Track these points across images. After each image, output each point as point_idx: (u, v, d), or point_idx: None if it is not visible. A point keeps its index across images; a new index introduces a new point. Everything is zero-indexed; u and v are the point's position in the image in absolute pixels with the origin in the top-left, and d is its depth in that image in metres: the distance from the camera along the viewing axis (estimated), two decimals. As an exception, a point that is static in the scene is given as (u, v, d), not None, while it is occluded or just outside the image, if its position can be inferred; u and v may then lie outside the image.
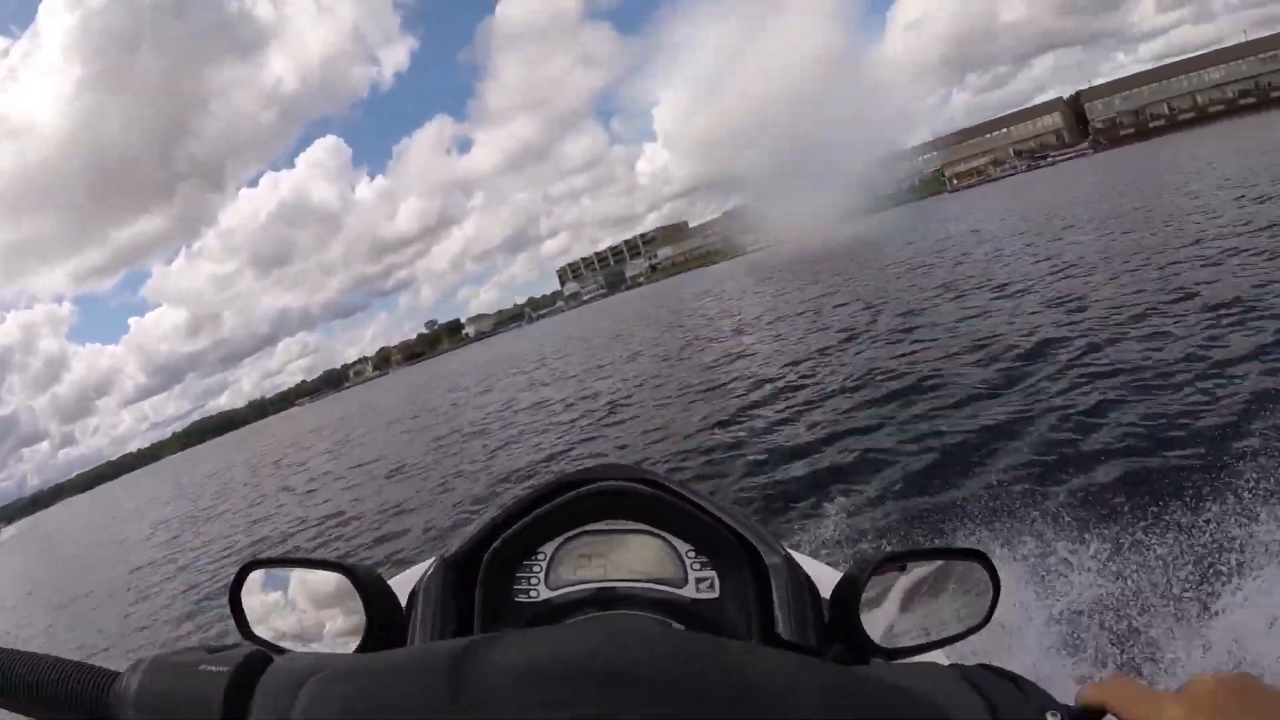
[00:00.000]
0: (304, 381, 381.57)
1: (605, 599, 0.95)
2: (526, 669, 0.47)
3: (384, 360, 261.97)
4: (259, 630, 0.90)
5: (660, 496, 0.99)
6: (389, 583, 0.95)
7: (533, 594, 0.98)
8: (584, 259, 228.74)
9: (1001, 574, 0.95)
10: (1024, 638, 3.41)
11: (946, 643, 0.94)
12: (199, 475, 43.62)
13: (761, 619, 0.93)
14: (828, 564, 1.41)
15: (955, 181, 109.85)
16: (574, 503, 0.99)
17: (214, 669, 0.47)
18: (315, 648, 0.91)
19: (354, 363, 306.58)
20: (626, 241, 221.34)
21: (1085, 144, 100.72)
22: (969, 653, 1.05)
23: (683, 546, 1.00)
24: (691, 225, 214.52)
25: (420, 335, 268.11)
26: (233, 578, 0.91)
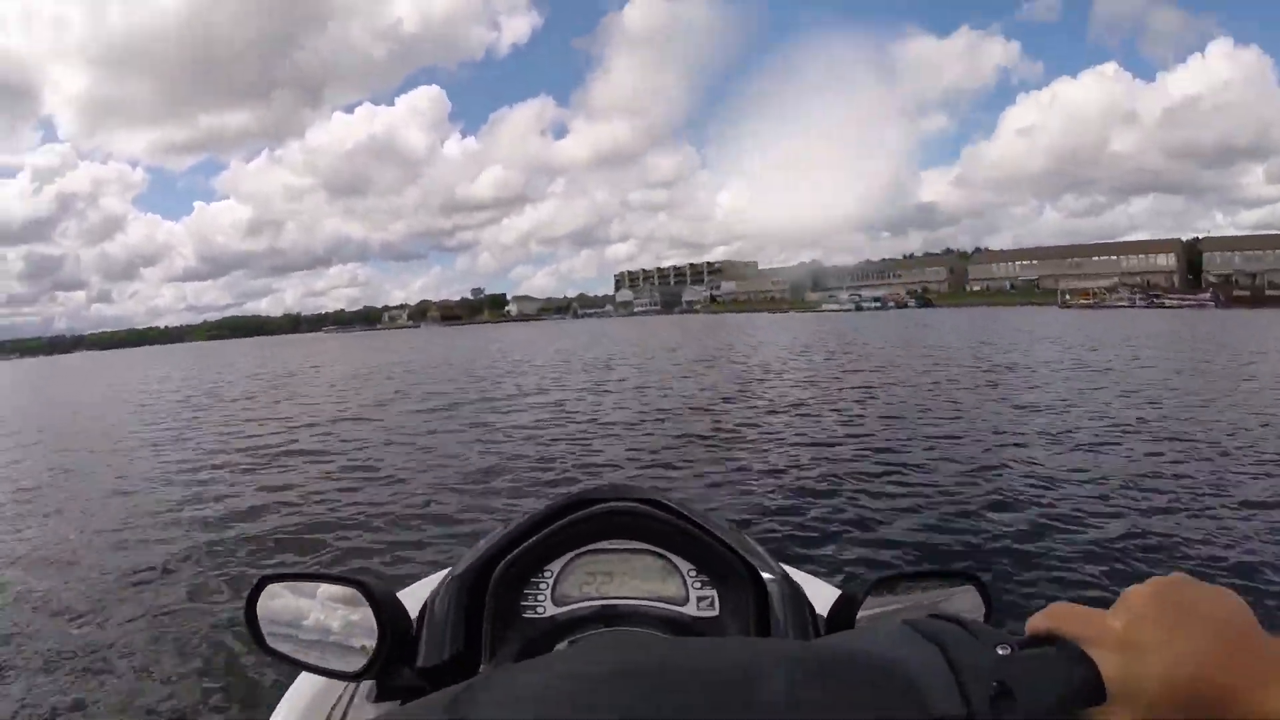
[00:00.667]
0: (342, 310, 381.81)
1: (609, 616, 0.99)
2: (515, 707, 0.46)
3: (420, 313, 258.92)
4: (274, 644, 0.95)
5: (663, 517, 1.03)
6: (401, 593, 1.01)
7: (539, 610, 1.00)
8: (645, 271, 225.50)
9: (993, 596, 1.03)
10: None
11: None
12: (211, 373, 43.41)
13: (760, 635, 0.97)
14: (826, 581, 1.47)
15: (1069, 297, 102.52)
16: (580, 522, 1.02)
17: None
18: (329, 662, 0.95)
19: (393, 307, 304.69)
20: (692, 265, 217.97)
21: (1206, 295, 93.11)
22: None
23: (684, 565, 1.03)
24: (761, 267, 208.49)
25: (464, 299, 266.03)
26: (249, 592, 0.94)
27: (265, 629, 0.95)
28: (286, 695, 1.27)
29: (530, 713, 0.45)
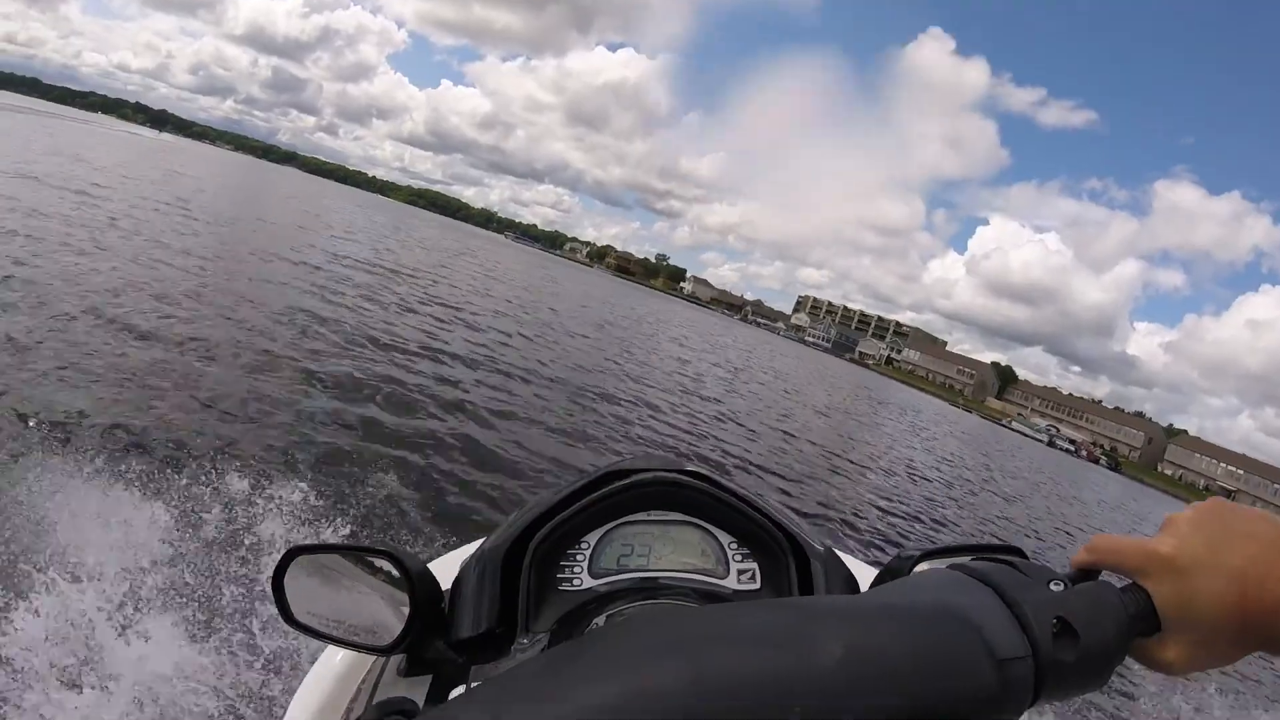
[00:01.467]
0: (535, 225, 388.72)
1: (647, 589, 0.95)
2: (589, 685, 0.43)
3: (599, 255, 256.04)
4: (301, 617, 0.92)
5: (703, 488, 1.00)
6: (430, 565, 0.96)
7: (576, 582, 0.98)
8: (830, 305, 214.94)
9: None
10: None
11: None
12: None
13: None
14: (863, 562, 1.47)
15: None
16: (618, 493, 1.00)
17: None
18: (359, 635, 0.93)
19: (580, 241, 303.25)
20: (880, 319, 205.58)
21: None
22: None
23: (725, 538, 1.01)
24: (949, 348, 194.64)
25: (644, 259, 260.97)
26: (276, 564, 0.92)
27: (293, 602, 0.91)
28: (314, 668, 1.27)
29: (575, 707, 0.42)
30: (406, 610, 0.88)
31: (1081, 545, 0.58)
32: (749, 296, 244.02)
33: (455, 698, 0.50)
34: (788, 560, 0.97)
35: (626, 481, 1.00)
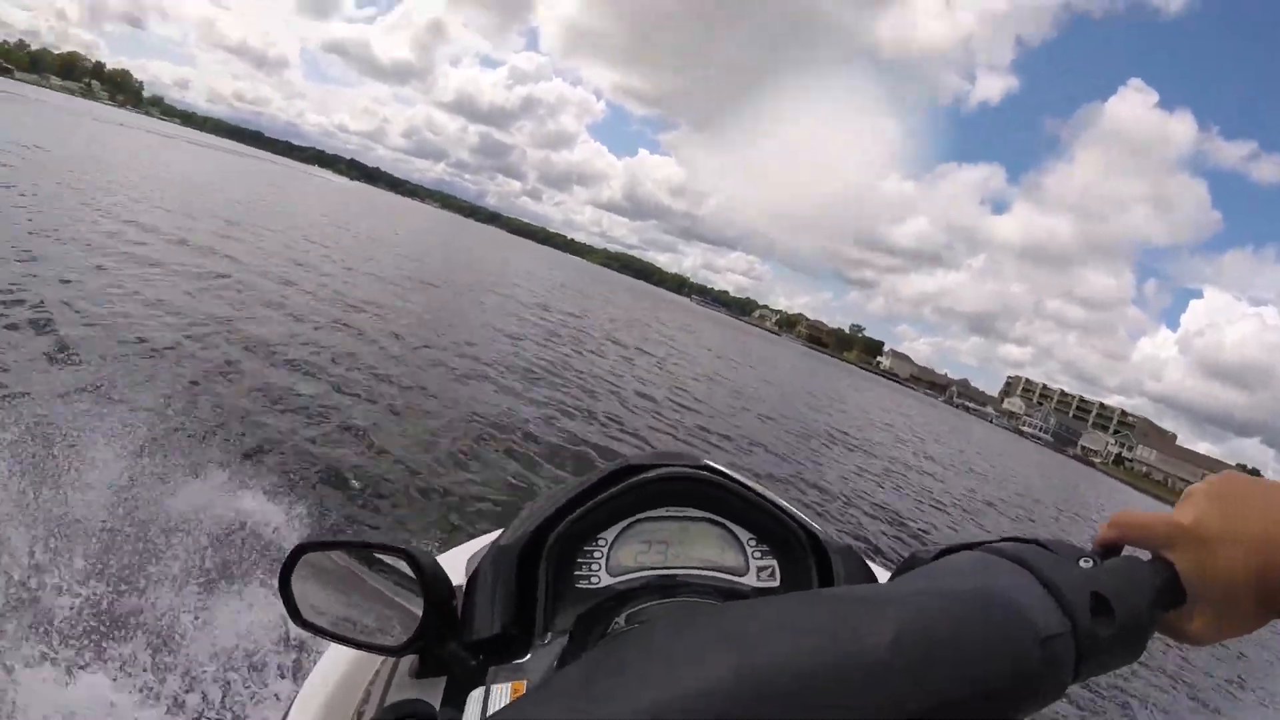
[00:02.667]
0: (726, 292, 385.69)
1: (666, 586, 0.93)
2: (640, 681, 0.43)
3: (789, 324, 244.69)
4: (309, 616, 0.90)
5: (722, 483, 0.99)
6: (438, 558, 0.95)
7: (594, 580, 0.96)
8: (1044, 388, 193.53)
9: None
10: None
11: None
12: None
13: None
14: (877, 565, 1.39)
15: None
16: (636, 489, 0.99)
17: None
18: (368, 635, 0.92)
19: (766, 308, 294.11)
20: (1102, 406, 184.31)
21: None
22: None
23: (744, 535, 1.00)
24: (1179, 443, 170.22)
25: (838, 329, 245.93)
26: (284, 561, 0.90)
27: (300, 601, 0.89)
28: (318, 667, 1.23)
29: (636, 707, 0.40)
30: (419, 609, 0.86)
31: (1102, 522, 0.58)
32: (948, 373, 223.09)
33: (522, 697, 0.48)
34: (807, 557, 0.96)
35: (645, 477, 0.99)
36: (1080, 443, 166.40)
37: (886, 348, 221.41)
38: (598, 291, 48.06)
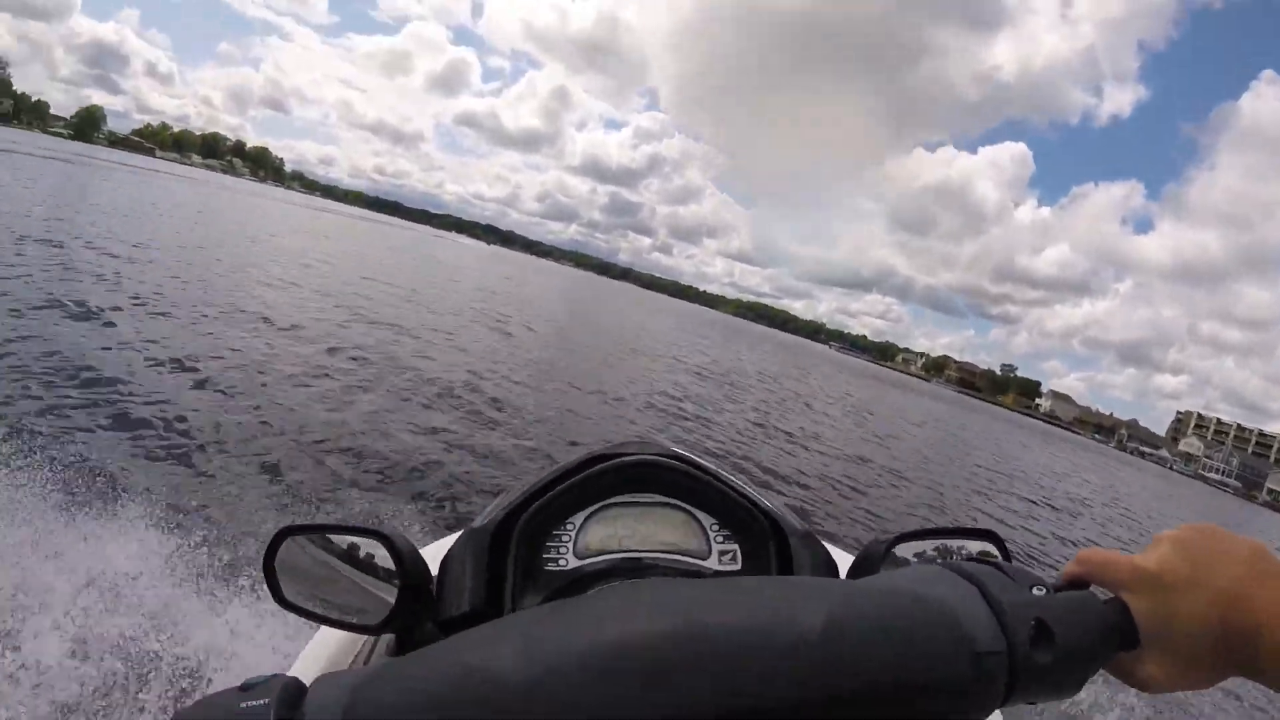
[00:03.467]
0: (864, 336, 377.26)
1: (630, 568, 0.98)
2: (555, 642, 0.47)
3: (936, 367, 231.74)
4: (292, 597, 0.93)
5: (685, 470, 1.04)
6: (422, 550, 0.98)
7: (561, 562, 1.00)
8: (1219, 424, 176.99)
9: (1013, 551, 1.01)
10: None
11: None
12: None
13: None
14: (841, 549, 1.47)
15: None
16: (603, 475, 1.03)
17: (252, 707, 0.46)
18: (349, 615, 0.95)
19: (913, 351, 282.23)
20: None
21: None
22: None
23: (707, 520, 1.04)
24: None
25: (989, 371, 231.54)
26: (268, 543, 0.93)
27: (284, 581, 0.93)
28: (306, 649, 1.29)
29: (574, 645, 0.46)
30: (396, 590, 0.90)
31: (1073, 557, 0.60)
32: (1113, 414, 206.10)
33: (477, 628, 0.51)
34: (768, 541, 1.00)
35: (610, 464, 1.03)
36: (1266, 484, 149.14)
37: (1045, 387, 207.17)
38: (736, 351, 45.67)
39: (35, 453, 4.70)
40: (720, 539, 1.02)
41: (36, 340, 7.80)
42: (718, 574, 0.99)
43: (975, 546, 1.02)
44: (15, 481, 4.11)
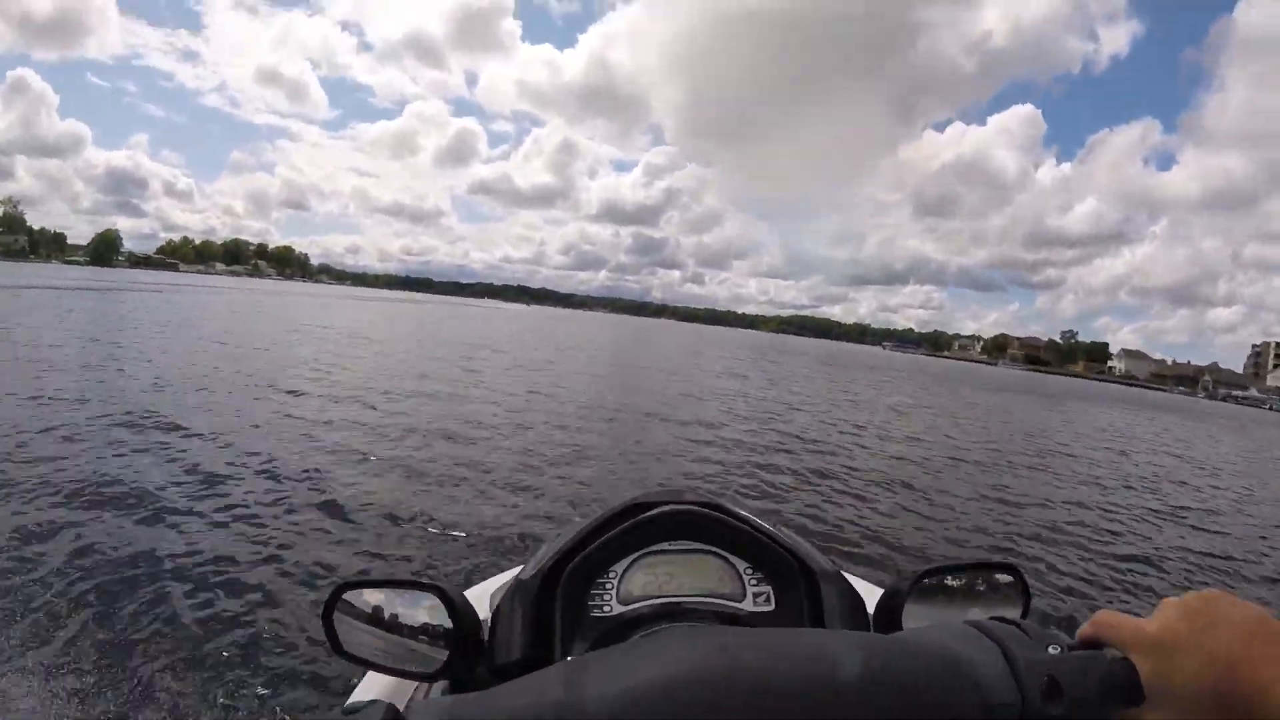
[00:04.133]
0: (911, 329, 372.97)
1: (671, 613, 1.02)
2: (629, 679, 0.52)
3: (998, 348, 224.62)
4: (350, 648, 0.99)
5: (720, 519, 1.08)
6: (466, 593, 1.05)
7: (606, 609, 1.04)
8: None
9: (1031, 583, 1.08)
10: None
11: None
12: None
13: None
14: (870, 583, 1.55)
15: None
16: (643, 525, 1.08)
17: None
18: (403, 663, 1.00)
19: (964, 336, 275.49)
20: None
21: None
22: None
23: (740, 564, 1.08)
24: None
25: (1052, 343, 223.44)
26: (326, 599, 0.99)
27: (342, 634, 0.98)
28: (354, 695, 1.32)
29: (643, 681, 0.51)
30: (450, 639, 0.96)
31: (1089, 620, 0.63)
32: (1190, 361, 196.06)
33: (535, 674, 0.56)
34: (799, 584, 1.04)
35: (649, 514, 1.07)
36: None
37: (1116, 348, 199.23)
38: (787, 371, 42.79)
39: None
40: (754, 582, 1.06)
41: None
42: (753, 615, 1.03)
43: (996, 578, 1.08)
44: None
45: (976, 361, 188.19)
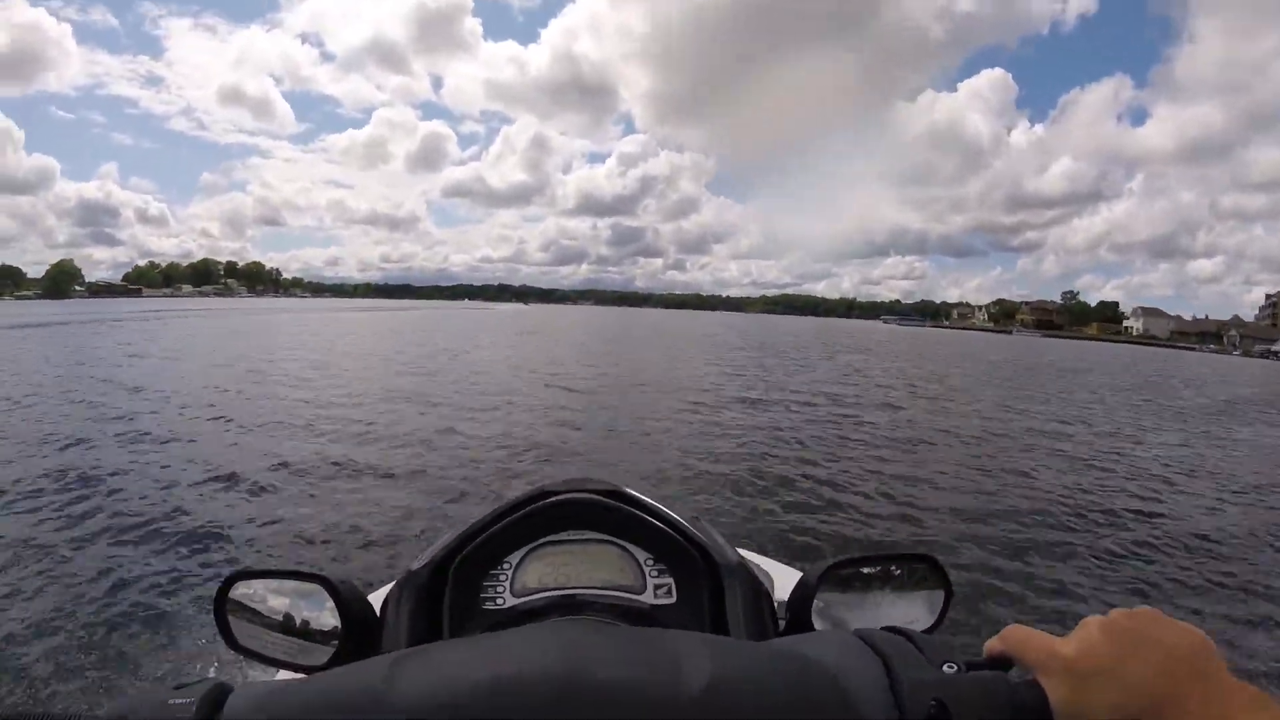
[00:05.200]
0: (897, 301, 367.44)
1: (567, 605, 1.00)
2: (448, 677, 0.50)
3: (1005, 315, 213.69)
4: (242, 640, 0.96)
5: (618, 507, 1.06)
6: (372, 595, 1.04)
7: (499, 601, 1.02)
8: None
9: (952, 577, 1.03)
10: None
11: None
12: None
13: (716, 622, 1.00)
14: (787, 565, 1.52)
15: None
16: (537, 514, 1.06)
17: (179, 702, 0.49)
18: (295, 656, 0.96)
19: (956, 304, 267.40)
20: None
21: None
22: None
23: (641, 555, 1.06)
24: None
25: (1065, 304, 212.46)
26: (218, 588, 0.96)
27: (234, 625, 0.96)
28: (254, 673, 1.30)
29: (466, 679, 0.48)
30: (339, 632, 0.94)
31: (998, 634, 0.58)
32: (1208, 316, 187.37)
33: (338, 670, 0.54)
34: (701, 575, 1.02)
35: (543, 503, 1.05)
36: None
37: (1134, 307, 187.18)
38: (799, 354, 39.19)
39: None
40: (655, 573, 1.04)
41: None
42: (654, 608, 1.01)
43: (915, 569, 1.03)
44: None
45: (986, 330, 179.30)
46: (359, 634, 0.93)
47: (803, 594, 0.97)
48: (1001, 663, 0.55)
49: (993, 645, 0.56)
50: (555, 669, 0.49)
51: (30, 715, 0.53)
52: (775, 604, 1.02)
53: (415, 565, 1.03)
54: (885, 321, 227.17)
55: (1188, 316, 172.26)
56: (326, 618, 0.95)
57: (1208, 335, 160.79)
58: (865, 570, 1.02)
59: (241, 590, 0.96)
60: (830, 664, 0.52)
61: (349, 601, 0.94)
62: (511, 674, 0.48)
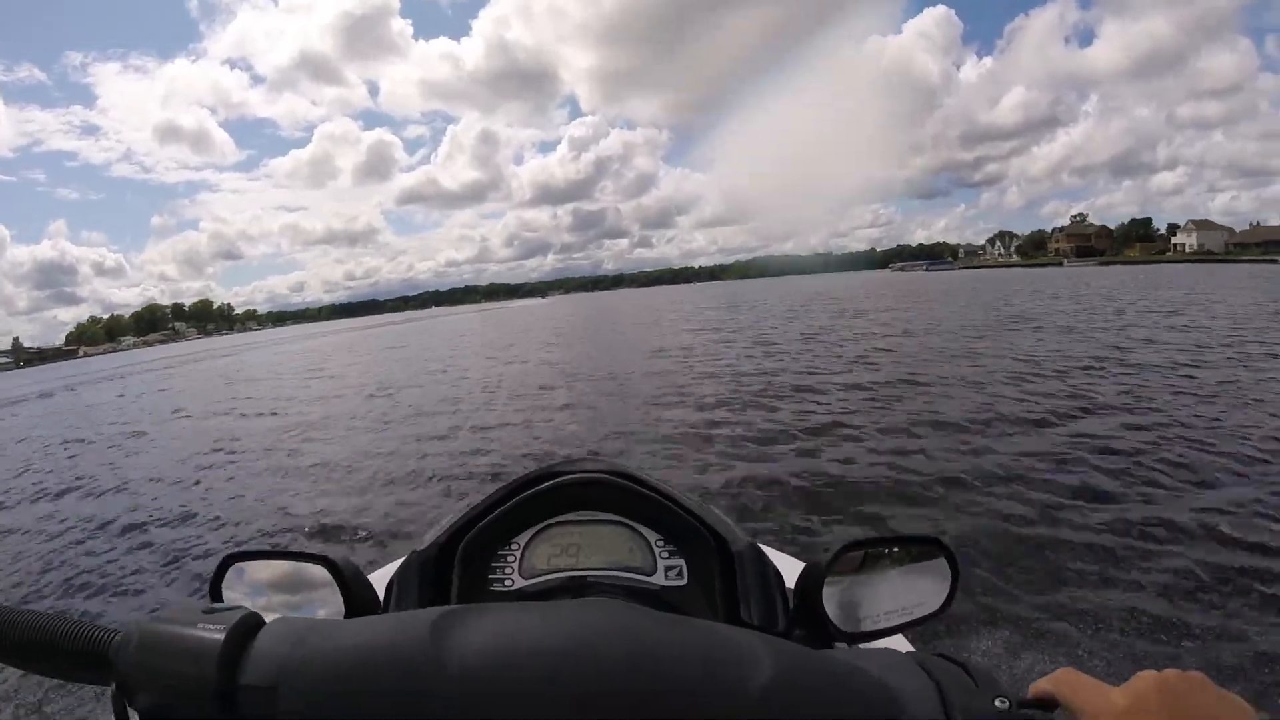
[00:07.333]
0: (873, 250, 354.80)
1: (576, 587, 0.98)
2: (504, 639, 0.49)
3: (1034, 245, 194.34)
4: None
5: (629, 488, 1.04)
6: (373, 575, 1.01)
7: (507, 583, 1.01)
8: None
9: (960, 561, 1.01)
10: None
11: (907, 628, 0.97)
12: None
13: (727, 605, 0.98)
14: (793, 556, 1.53)
15: None
16: (547, 495, 1.04)
17: (210, 629, 0.49)
18: None
19: (966, 246, 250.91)
20: None
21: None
22: (934, 636, 1.00)
23: (652, 536, 1.04)
24: None
25: (1103, 226, 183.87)
26: (213, 571, 0.94)
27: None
28: None
29: (521, 645, 0.47)
30: (342, 614, 0.91)
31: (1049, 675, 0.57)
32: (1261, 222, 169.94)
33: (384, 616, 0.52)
34: (712, 556, 1.00)
35: (552, 483, 1.03)
36: None
37: (1185, 221, 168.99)
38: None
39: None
40: (665, 554, 1.02)
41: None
42: (664, 589, 0.99)
43: (922, 553, 0.99)
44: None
45: (1005, 264, 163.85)
46: (362, 615, 0.87)
47: (813, 577, 0.93)
48: (1048, 704, 0.54)
49: (1042, 686, 0.56)
50: (617, 644, 0.47)
51: (50, 619, 0.52)
52: (785, 590, 0.99)
53: (421, 545, 1.01)
54: (906, 270, 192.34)
55: (1238, 228, 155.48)
56: (327, 597, 0.91)
57: (1271, 244, 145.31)
58: (872, 553, 0.98)
59: (239, 572, 0.94)
60: (890, 683, 0.51)
61: (351, 583, 0.91)
62: (572, 646, 0.47)
